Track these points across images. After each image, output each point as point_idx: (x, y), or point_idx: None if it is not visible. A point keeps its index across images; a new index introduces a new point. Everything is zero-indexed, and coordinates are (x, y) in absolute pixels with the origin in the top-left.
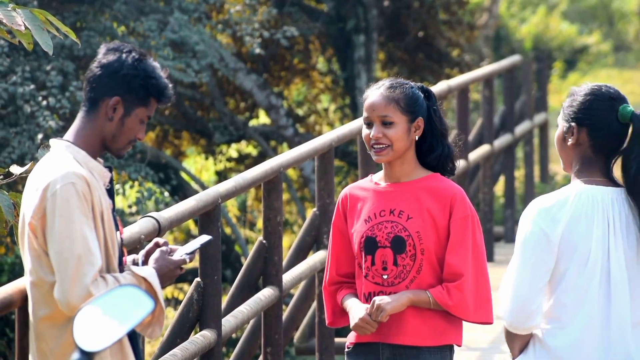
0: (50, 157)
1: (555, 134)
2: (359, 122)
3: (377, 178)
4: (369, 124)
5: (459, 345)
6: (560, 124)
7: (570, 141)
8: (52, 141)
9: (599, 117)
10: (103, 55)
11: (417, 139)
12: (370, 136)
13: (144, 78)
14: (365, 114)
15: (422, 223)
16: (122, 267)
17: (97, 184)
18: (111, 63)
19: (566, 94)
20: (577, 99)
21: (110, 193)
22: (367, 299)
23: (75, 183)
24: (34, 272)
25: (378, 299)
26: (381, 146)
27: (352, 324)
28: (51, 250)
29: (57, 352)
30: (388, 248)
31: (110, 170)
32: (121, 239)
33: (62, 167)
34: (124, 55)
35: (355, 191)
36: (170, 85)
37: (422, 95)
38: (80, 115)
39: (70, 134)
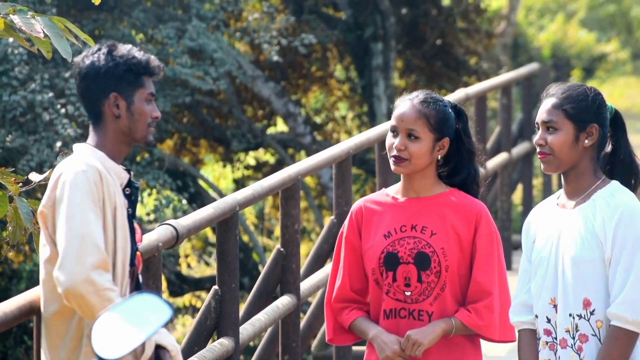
0: (70, 156)
1: (557, 138)
2: (376, 130)
3: (393, 192)
4: (395, 132)
5: None
6: (566, 127)
7: (588, 142)
8: (75, 145)
9: (606, 115)
10: (78, 68)
11: (439, 158)
12: (394, 146)
13: (124, 63)
14: (393, 122)
15: (446, 239)
16: (134, 273)
17: (112, 181)
18: (88, 69)
19: None
20: (589, 99)
21: (131, 198)
22: (389, 316)
23: (87, 171)
24: (43, 268)
25: (413, 334)
26: (400, 158)
27: (381, 355)
28: (57, 234)
29: (68, 347)
30: (411, 264)
31: (130, 174)
32: (135, 245)
33: (77, 160)
34: (95, 56)
35: (370, 205)
36: (153, 57)
37: (454, 115)
38: (90, 129)
39: (88, 141)
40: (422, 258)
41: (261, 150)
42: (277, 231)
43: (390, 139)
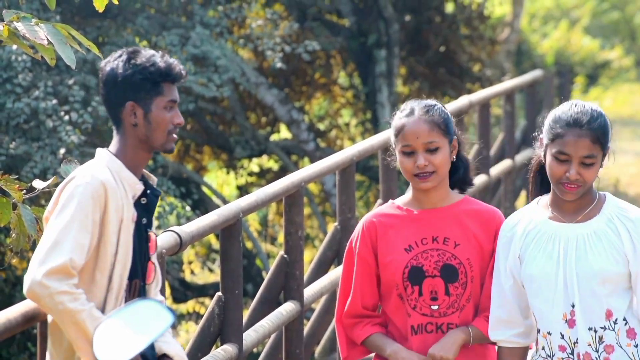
0: (87, 163)
1: (593, 171)
2: (380, 137)
3: (405, 204)
4: (410, 153)
5: None
6: (599, 157)
7: (605, 164)
8: (97, 150)
9: None
10: (101, 74)
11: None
12: (417, 165)
13: (140, 71)
14: (405, 143)
15: (470, 249)
16: (144, 283)
17: (121, 193)
18: (108, 76)
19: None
20: (609, 123)
21: (147, 208)
22: (417, 331)
23: (89, 184)
24: None
25: (437, 350)
26: (426, 173)
27: None
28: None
29: (66, 353)
30: (438, 277)
31: (146, 184)
32: (147, 256)
33: (85, 170)
34: (114, 63)
35: (382, 219)
36: (174, 62)
37: None
38: (114, 134)
39: (110, 146)
40: (449, 270)
41: (265, 157)
42: (281, 238)
43: (407, 161)
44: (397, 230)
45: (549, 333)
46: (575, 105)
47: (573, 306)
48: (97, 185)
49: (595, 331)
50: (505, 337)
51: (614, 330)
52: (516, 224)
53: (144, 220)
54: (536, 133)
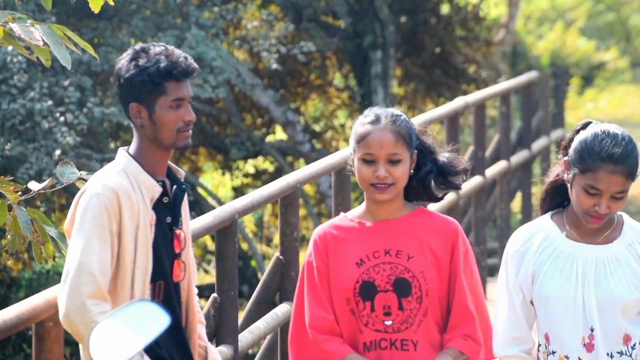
0: (105, 167)
1: (621, 203)
2: None
3: (357, 216)
4: (370, 162)
5: None
6: (628, 189)
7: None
8: (119, 150)
9: None
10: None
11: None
12: (376, 175)
13: (140, 73)
14: (367, 151)
15: (424, 262)
16: (169, 282)
17: (137, 197)
18: (116, 76)
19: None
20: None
21: (170, 207)
22: (369, 348)
23: (101, 194)
24: None
25: None
26: (385, 185)
27: None
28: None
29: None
30: (390, 292)
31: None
32: (173, 255)
33: (98, 178)
34: (121, 63)
35: (334, 231)
36: (180, 60)
37: None
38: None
39: (130, 147)
40: (401, 284)
41: (260, 158)
42: (276, 239)
43: (366, 170)
44: (348, 243)
45: (567, 357)
46: (608, 135)
47: (592, 330)
48: (109, 194)
49: (612, 356)
50: (515, 352)
51: (631, 355)
52: (530, 239)
53: (168, 219)
54: (559, 155)
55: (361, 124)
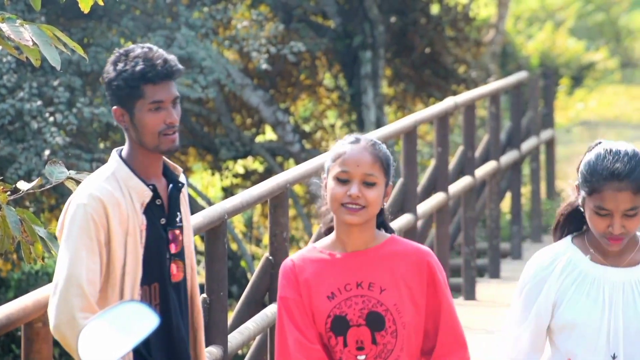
0: (98, 169)
1: (637, 221)
2: None
3: (326, 247)
4: (345, 181)
5: None
6: None
7: None
8: (113, 151)
9: None
10: None
11: (385, 205)
12: (349, 194)
13: (116, 77)
14: (344, 168)
15: (398, 294)
16: (166, 284)
17: (126, 203)
18: (103, 79)
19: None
20: None
21: (163, 208)
22: None
23: (86, 204)
24: None
25: None
26: (356, 206)
27: None
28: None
29: None
30: (363, 326)
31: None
32: (168, 256)
33: (86, 185)
34: (106, 66)
35: (303, 263)
36: (158, 62)
37: None
38: None
39: (123, 150)
40: (374, 318)
41: (250, 159)
42: (266, 239)
43: (339, 189)
44: (318, 276)
45: None
46: (609, 153)
47: (614, 357)
48: (95, 204)
49: None
50: None
51: None
52: (551, 263)
53: (163, 221)
54: (573, 181)
55: (340, 144)
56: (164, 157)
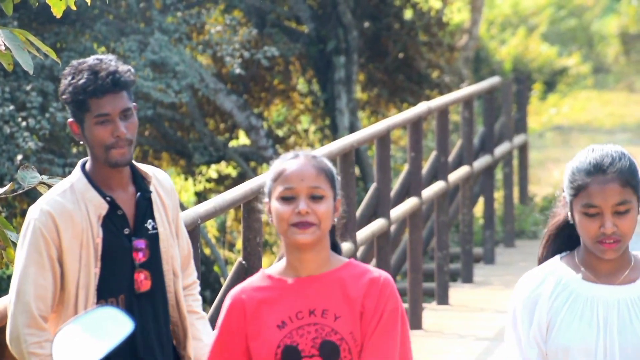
0: (60, 181)
1: (631, 221)
2: (338, 144)
3: (277, 273)
4: (290, 198)
5: None
6: (634, 204)
7: None
8: (79, 162)
9: None
10: None
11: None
12: (297, 211)
13: (64, 91)
14: (287, 186)
15: (354, 322)
16: (128, 295)
17: (80, 216)
18: None
19: (546, 115)
20: (637, 167)
21: (126, 219)
22: None
23: (37, 219)
24: None
25: None
26: (307, 224)
27: None
28: None
29: None
30: (316, 357)
31: (111, 202)
32: (132, 267)
33: (40, 199)
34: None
35: (252, 293)
36: (100, 75)
37: None
38: None
39: (88, 162)
40: (328, 348)
41: (223, 164)
42: (239, 244)
43: (285, 209)
44: (269, 305)
45: None
46: (593, 151)
47: None
48: (45, 220)
49: None
50: None
51: None
52: (540, 284)
53: (126, 231)
54: (557, 192)
55: (279, 162)
56: (135, 164)
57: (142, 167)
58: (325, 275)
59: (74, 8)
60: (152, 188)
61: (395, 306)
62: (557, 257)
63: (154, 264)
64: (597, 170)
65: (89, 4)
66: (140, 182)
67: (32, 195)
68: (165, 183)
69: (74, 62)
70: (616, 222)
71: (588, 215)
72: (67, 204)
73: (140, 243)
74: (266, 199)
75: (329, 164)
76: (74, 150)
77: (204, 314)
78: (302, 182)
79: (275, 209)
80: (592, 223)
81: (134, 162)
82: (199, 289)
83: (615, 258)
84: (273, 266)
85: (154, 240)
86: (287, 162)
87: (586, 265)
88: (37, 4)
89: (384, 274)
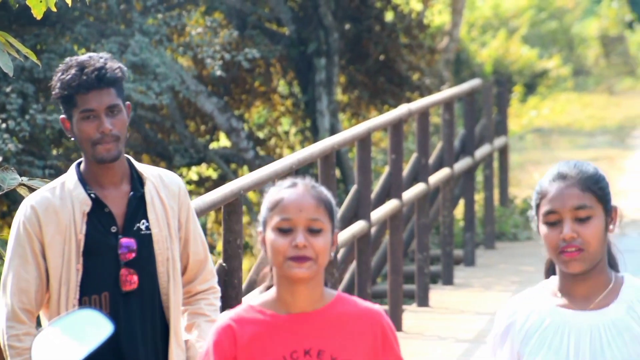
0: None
1: (593, 229)
2: (319, 146)
3: (267, 306)
4: (287, 231)
5: None
6: (598, 212)
7: (612, 228)
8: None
9: None
10: None
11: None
12: (295, 244)
13: (54, 87)
14: (284, 216)
15: None
16: (113, 293)
17: (65, 212)
18: None
19: (526, 117)
20: (605, 178)
21: (113, 216)
22: None
23: (22, 214)
24: None
25: None
26: (304, 258)
27: None
28: None
29: None
30: None
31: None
32: (118, 265)
33: (31, 195)
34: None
35: (243, 325)
36: (86, 71)
37: None
38: None
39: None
40: None
41: (204, 166)
42: (220, 246)
43: (281, 240)
44: (261, 341)
45: None
46: (558, 163)
47: None
48: (29, 214)
49: None
50: None
51: None
52: (514, 314)
53: (113, 229)
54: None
55: (275, 190)
56: (135, 163)
57: (143, 167)
58: (319, 312)
59: (54, 10)
60: (148, 188)
61: (394, 336)
62: (542, 283)
63: (144, 264)
64: (558, 177)
65: (69, 5)
66: (137, 182)
67: (12, 198)
68: (172, 185)
69: (67, 59)
70: (577, 229)
71: (549, 224)
72: (54, 200)
73: (127, 241)
74: (260, 229)
75: (329, 195)
76: (54, 152)
77: (215, 317)
78: (301, 214)
79: (271, 241)
80: (553, 232)
81: (135, 162)
82: (217, 294)
83: (588, 278)
84: (259, 297)
85: (146, 241)
86: (285, 190)
87: (562, 290)
88: (17, 5)
89: (376, 309)
